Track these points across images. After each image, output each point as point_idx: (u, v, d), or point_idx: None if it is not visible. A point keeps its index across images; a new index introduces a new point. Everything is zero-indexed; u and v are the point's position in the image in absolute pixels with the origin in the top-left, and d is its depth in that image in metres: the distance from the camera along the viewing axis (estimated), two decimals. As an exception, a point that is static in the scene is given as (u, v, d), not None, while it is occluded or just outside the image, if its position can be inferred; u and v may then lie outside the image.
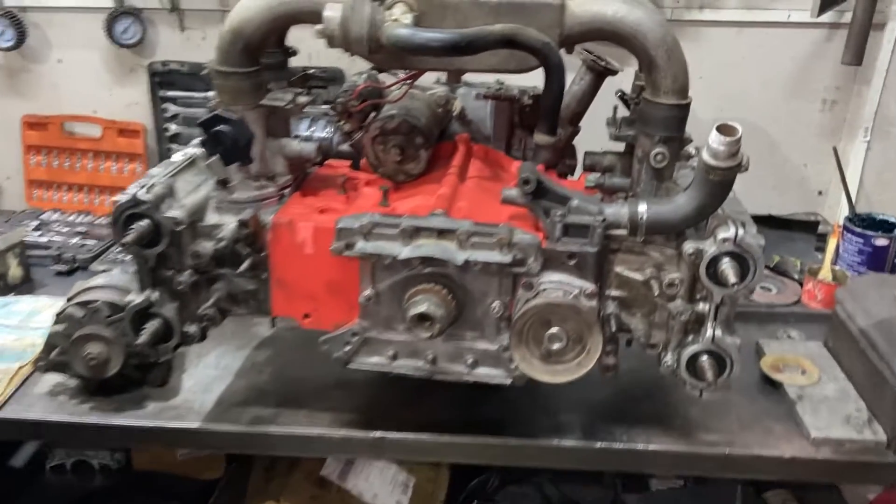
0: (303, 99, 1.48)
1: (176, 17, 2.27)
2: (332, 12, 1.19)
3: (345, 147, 1.66)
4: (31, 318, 1.82)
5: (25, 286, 2.03)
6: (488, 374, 1.39)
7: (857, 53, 2.22)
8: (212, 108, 1.32)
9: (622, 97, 1.56)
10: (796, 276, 2.12)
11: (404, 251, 1.29)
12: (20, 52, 2.34)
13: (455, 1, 1.25)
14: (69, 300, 1.58)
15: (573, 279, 1.33)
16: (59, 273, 2.09)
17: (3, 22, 2.23)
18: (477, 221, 1.32)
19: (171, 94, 2.35)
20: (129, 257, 1.39)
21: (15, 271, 2.00)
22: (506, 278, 1.33)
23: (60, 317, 1.53)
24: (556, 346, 1.28)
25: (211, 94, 1.36)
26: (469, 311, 1.37)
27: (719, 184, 1.24)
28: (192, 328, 1.42)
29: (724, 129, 1.20)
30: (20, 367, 1.63)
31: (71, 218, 2.37)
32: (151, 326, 1.38)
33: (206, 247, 1.35)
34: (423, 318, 1.28)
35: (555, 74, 1.26)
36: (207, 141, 1.30)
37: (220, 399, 1.60)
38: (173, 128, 2.39)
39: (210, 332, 1.50)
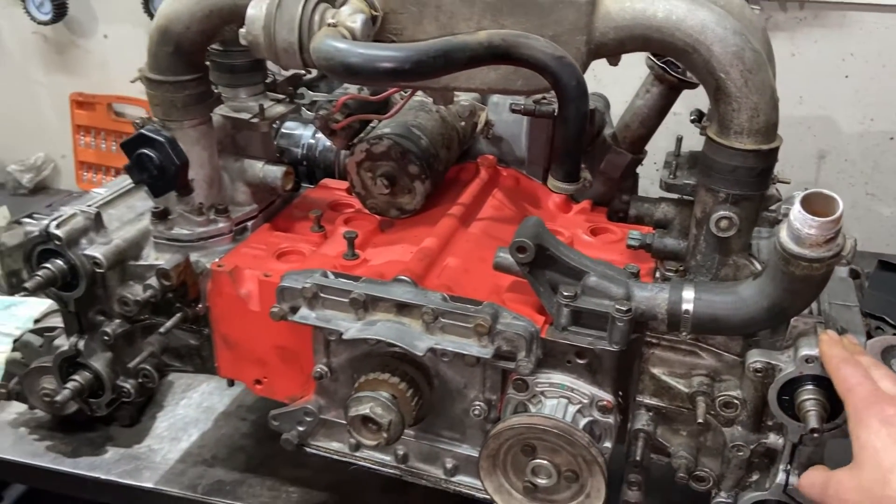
0: (277, 109, 1.19)
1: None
2: (255, 10, 0.87)
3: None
4: (30, 324, 1.68)
5: (43, 284, 1.90)
6: (472, 484, 1.06)
7: None
8: (140, 125, 1.06)
9: (698, 119, 1.14)
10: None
11: (352, 329, 0.97)
12: (66, 26, 2.22)
13: (437, -6, 0.90)
14: (36, 321, 1.42)
15: (582, 384, 0.96)
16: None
17: (41, -7, 2.11)
18: (457, 293, 0.98)
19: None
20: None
21: (31, 268, 1.88)
22: (493, 371, 0.99)
23: (17, 343, 1.37)
24: (541, 481, 0.92)
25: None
26: (447, 406, 1.04)
27: (804, 279, 0.82)
28: (127, 384, 1.19)
29: (813, 202, 0.77)
30: (-9, 387, 1.49)
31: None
32: (77, 381, 1.16)
33: (136, 292, 1.10)
34: (368, 421, 0.97)
35: (571, 101, 0.88)
36: (131, 167, 1.05)
37: (188, 453, 1.39)
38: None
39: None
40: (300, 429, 1.12)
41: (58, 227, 1.06)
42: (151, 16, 2.07)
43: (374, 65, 0.80)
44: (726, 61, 0.85)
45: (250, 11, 0.87)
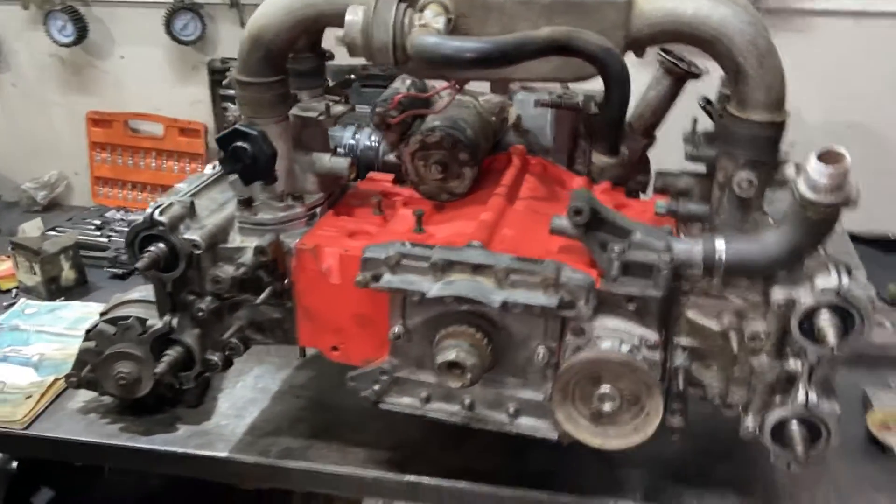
0: (338, 108, 1.34)
1: (236, 13, 2.19)
2: (353, 16, 1.03)
3: (392, 157, 1.51)
4: (78, 325, 1.78)
5: (79, 289, 2.00)
6: (532, 425, 1.22)
7: None
8: (232, 122, 1.20)
9: (705, 106, 1.33)
10: (918, 311, 1.81)
11: (434, 288, 1.13)
12: (83, 48, 2.32)
13: (500, 0, 1.07)
14: (102, 315, 1.53)
15: (632, 326, 1.13)
16: (115, 277, 2.06)
17: (63, 17, 2.21)
18: (520, 255, 1.14)
19: (231, 92, 2.26)
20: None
21: (68, 274, 1.98)
22: (553, 321, 1.15)
23: (91, 333, 1.48)
24: (607, 406, 1.09)
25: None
26: (511, 355, 1.19)
27: (818, 223, 1.01)
28: (214, 356, 1.31)
29: (827, 157, 0.96)
30: (56, 381, 1.59)
31: (133, 217, 2.34)
32: (171, 355, 1.29)
33: (227, 271, 1.23)
34: (453, 366, 1.12)
35: (616, 85, 1.06)
36: (226, 158, 1.18)
37: (253, 426, 1.51)
38: (235, 127, 2.31)
39: (252, 350, 1.40)
40: (376, 387, 1.26)
41: (161, 213, 1.19)
42: (172, 37, 2.19)
43: (463, 55, 0.96)
44: (744, 48, 1.04)
45: (349, 17, 1.03)
